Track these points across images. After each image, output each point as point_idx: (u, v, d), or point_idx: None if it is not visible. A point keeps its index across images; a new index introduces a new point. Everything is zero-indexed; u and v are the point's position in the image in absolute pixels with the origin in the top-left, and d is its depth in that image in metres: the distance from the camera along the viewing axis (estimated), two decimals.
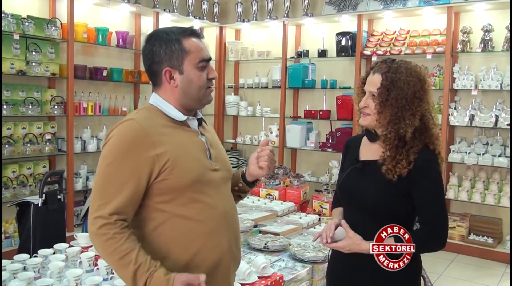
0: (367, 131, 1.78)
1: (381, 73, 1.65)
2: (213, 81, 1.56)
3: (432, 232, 1.61)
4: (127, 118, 1.46)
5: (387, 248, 1.59)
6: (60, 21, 4.67)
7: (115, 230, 1.35)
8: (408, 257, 1.60)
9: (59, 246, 2.48)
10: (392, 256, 1.59)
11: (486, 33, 4.66)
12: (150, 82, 1.58)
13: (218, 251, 1.48)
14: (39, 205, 3.24)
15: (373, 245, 1.59)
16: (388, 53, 5.12)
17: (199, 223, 1.45)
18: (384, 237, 1.59)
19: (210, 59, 1.54)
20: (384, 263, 1.59)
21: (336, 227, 1.71)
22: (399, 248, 1.59)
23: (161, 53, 1.47)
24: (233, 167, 6.18)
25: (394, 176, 1.61)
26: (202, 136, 1.54)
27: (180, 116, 1.50)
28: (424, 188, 1.62)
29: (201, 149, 1.51)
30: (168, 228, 1.43)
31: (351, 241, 1.65)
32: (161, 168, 1.39)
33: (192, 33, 1.51)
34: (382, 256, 1.59)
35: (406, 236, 1.59)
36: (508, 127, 4.48)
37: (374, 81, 1.67)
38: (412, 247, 1.59)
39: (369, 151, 1.74)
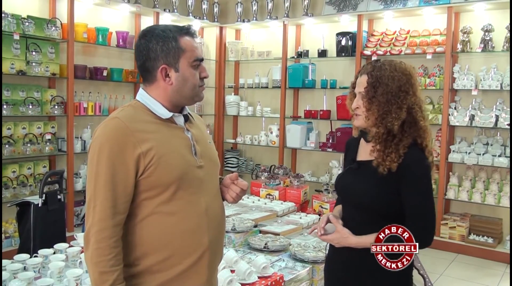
0: (362, 132, 1.82)
1: (367, 73, 1.72)
2: (205, 79, 1.58)
3: (417, 230, 1.62)
4: (112, 116, 1.46)
5: (384, 248, 1.60)
6: (60, 21, 4.67)
7: (114, 238, 1.38)
8: (409, 257, 1.61)
9: (59, 246, 2.49)
10: (392, 256, 1.61)
11: (486, 33, 4.66)
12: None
13: (198, 249, 1.49)
14: (39, 205, 3.24)
15: (372, 245, 1.61)
16: (388, 53, 5.13)
17: (180, 220, 1.46)
18: (382, 238, 1.60)
19: (203, 59, 1.55)
20: (382, 262, 1.61)
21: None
22: (397, 248, 1.60)
23: (158, 50, 1.47)
24: (233, 167, 6.21)
25: (384, 169, 1.65)
26: (188, 132, 1.54)
27: (166, 114, 1.50)
28: (411, 186, 1.65)
29: (186, 146, 1.51)
30: (149, 224, 1.44)
31: (339, 235, 1.71)
32: (146, 165, 1.41)
33: (187, 32, 1.52)
34: (380, 255, 1.61)
35: (406, 235, 1.60)
36: (508, 127, 4.48)
37: (362, 82, 1.73)
38: (413, 246, 1.60)
39: (365, 152, 1.78)
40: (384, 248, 1.60)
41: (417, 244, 1.60)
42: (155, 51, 1.47)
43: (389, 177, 1.65)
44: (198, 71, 1.53)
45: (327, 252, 1.90)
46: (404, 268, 1.63)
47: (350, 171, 1.81)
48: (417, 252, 1.63)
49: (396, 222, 1.62)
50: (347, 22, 5.52)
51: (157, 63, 1.48)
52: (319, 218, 3.40)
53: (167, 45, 1.47)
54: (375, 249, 1.60)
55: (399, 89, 1.67)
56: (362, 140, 1.83)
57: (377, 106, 1.68)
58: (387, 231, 1.60)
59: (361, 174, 1.75)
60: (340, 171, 5.52)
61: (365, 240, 1.65)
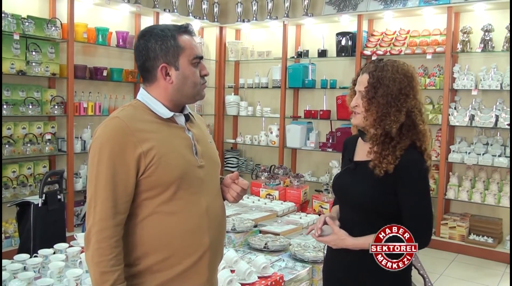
0: (360, 131, 1.81)
1: (368, 72, 1.70)
2: (205, 78, 1.57)
3: (414, 231, 1.62)
4: (113, 116, 1.46)
5: (386, 248, 1.60)
6: (60, 21, 4.67)
7: (114, 238, 1.38)
8: (409, 257, 1.61)
9: (59, 246, 2.49)
10: (391, 256, 1.61)
11: (486, 33, 4.66)
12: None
13: (199, 249, 1.49)
14: (39, 205, 3.24)
15: (371, 245, 1.60)
16: (388, 53, 5.13)
17: (181, 220, 1.46)
18: (382, 237, 1.60)
19: (202, 57, 1.55)
20: (382, 262, 1.60)
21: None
22: (397, 248, 1.60)
23: (157, 49, 1.47)
24: (233, 167, 6.21)
25: (381, 171, 1.64)
26: (189, 132, 1.54)
27: (166, 113, 1.50)
28: (408, 187, 1.65)
29: (187, 146, 1.51)
30: (149, 224, 1.44)
31: (336, 237, 1.70)
32: (147, 165, 1.40)
33: (186, 30, 1.52)
34: (380, 256, 1.60)
35: (407, 235, 1.60)
36: (508, 127, 4.48)
37: (363, 81, 1.72)
38: (413, 247, 1.60)
39: (363, 152, 1.77)
40: (385, 248, 1.59)
41: (417, 244, 1.60)
42: (154, 50, 1.47)
43: (386, 178, 1.65)
44: (198, 69, 1.53)
45: (325, 253, 1.90)
46: (404, 268, 1.63)
47: (347, 171, 1.80)
48: (416, 251, 1.63)
49: (393, 223, 1.62)
50: (347, 22, 5.52)
51: (156, 62, 1.48)
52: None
53: (166, 44, 1.47)
54: (374, 249, 1.60)
55: (400, 92, 1.66)
56: (359, 140, 1.83)
57: (376, 107, 1.66)
58: (387, 231, 1.60)
59: (358, 175, 1.74)
60: (338, 171, 5.52)
61: (362, 242, 1.65)
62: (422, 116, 1.71)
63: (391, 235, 1.60)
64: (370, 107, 1.68)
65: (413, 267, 1.91)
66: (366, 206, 1.68)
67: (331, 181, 5.63)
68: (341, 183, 1.81)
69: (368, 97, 1.68)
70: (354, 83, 1.78)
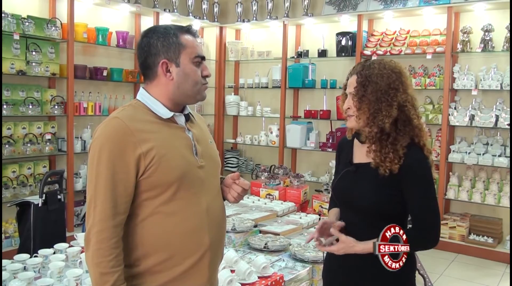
0: (356, 133, 1.80)
1: (356, 72, 1.72)
2: (207, 79, 1.57)
3: (424, 230, 1.62)
4: (112, 116, 1.46)
5: (391, 248, 1.59)
6: (60, 21, 4.67)
7: (114, 239, 1.38)
8: (406, 256, 1.62)
9: (59, 246, 2.48)
10: (394, 256, 1.60)
11: (486, 33, 4.66)
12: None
13: (199, 249, 1.49)
14: (39, 205, 3.24)
15: (379, 245, 1.58)
16: (388, 53, 5.12)
17: (181, 220, 1.46)
18: (388, 236, 1.59)
19: (204, 57, 1.56)
20: (388, 264, 1.59)
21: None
22: (398, 248, 1.60)
23: (159, 45, 1.48)
24: (233, 167, 6.21)
25: (385, 170, 1.63)
26: (189, 132, 1.54)
27: (166, 114, 1.50)
28: (415, 187, 1.64)
29: (187, 146, 1.51)
30: (150, 224, 1.44)
31: (344, 245, 1.66)
32: (146, 166, 1.40)
33: (188, 30, 1.53)
34: (386, 256, 1.59)
35: (405, 237, 1.61)
36: (508, 127, 4.48)
37: (352, 82, 1.73)
38: (407, 247, 1.60)
39: (362, 153, 1.76)
40: (392, 248, 1.58)
41: (409, 244, 1.60)
42: (156, 46, 1.48)
43: (389, 179, 1.63)
44: (200, 69, 1.53)
45: (324, 255, 1.88)
46: (407, 269, 1.62)
47: (348, 174, 1.77)
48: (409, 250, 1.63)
49: (399, 224, 1.62)
50: (347, 22, 5.52)
51: (157, 58, 1.48)
52: (319, 219, 3.40)
53: (168, 41, 1.48)
54: (383, 249, 1.57)
55: (389, 87, 1.66)
56: (356, 142, 1.81)
57: (367, 105, 1.66)
58: (392, 230, 1.59)
59: (361, 177, 1.72)
60: (333, 171, 5.52)
61: (371, 246, 1.61)
62: (416, 111, 1.70)
63: (394, 234, 1.59)
64: (361, 106, 1.68)
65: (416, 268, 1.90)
66: (369, 209, 1.67)
67: (331, 181, 5.63)
68: (342, 186, 1.79)
69: (358, 96, 1.68)
70: (345, 87, 1.79)
